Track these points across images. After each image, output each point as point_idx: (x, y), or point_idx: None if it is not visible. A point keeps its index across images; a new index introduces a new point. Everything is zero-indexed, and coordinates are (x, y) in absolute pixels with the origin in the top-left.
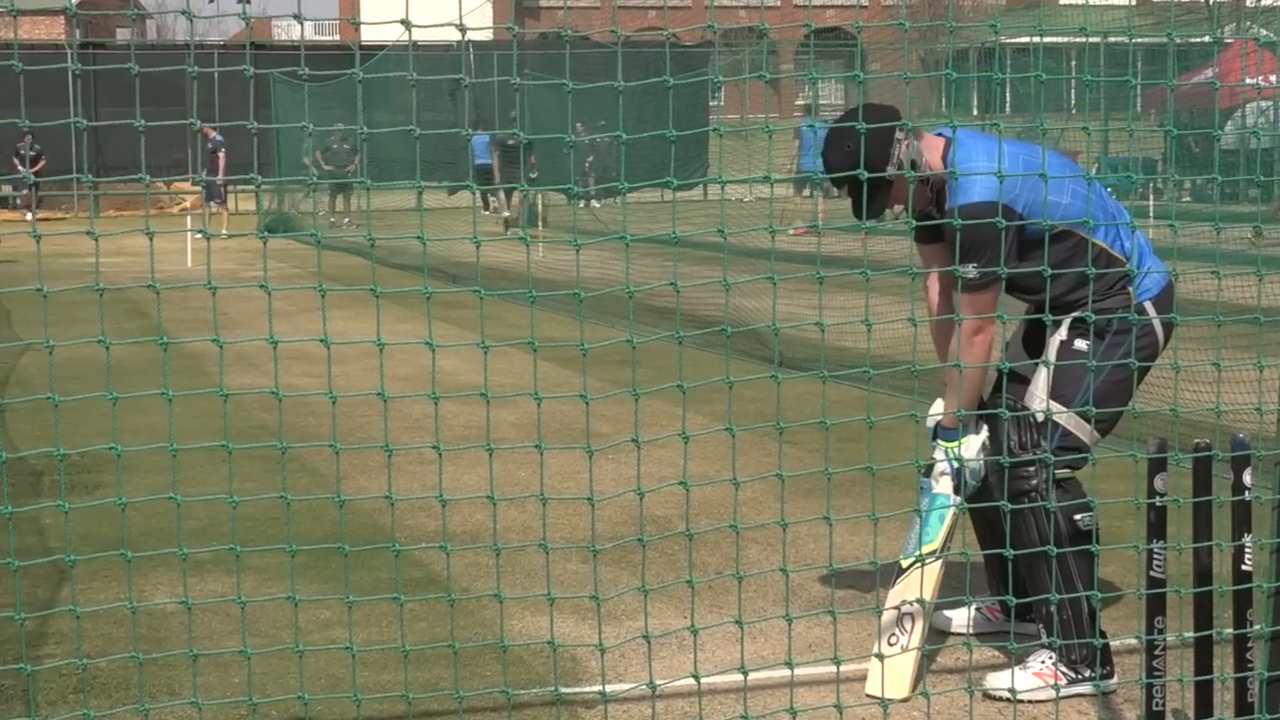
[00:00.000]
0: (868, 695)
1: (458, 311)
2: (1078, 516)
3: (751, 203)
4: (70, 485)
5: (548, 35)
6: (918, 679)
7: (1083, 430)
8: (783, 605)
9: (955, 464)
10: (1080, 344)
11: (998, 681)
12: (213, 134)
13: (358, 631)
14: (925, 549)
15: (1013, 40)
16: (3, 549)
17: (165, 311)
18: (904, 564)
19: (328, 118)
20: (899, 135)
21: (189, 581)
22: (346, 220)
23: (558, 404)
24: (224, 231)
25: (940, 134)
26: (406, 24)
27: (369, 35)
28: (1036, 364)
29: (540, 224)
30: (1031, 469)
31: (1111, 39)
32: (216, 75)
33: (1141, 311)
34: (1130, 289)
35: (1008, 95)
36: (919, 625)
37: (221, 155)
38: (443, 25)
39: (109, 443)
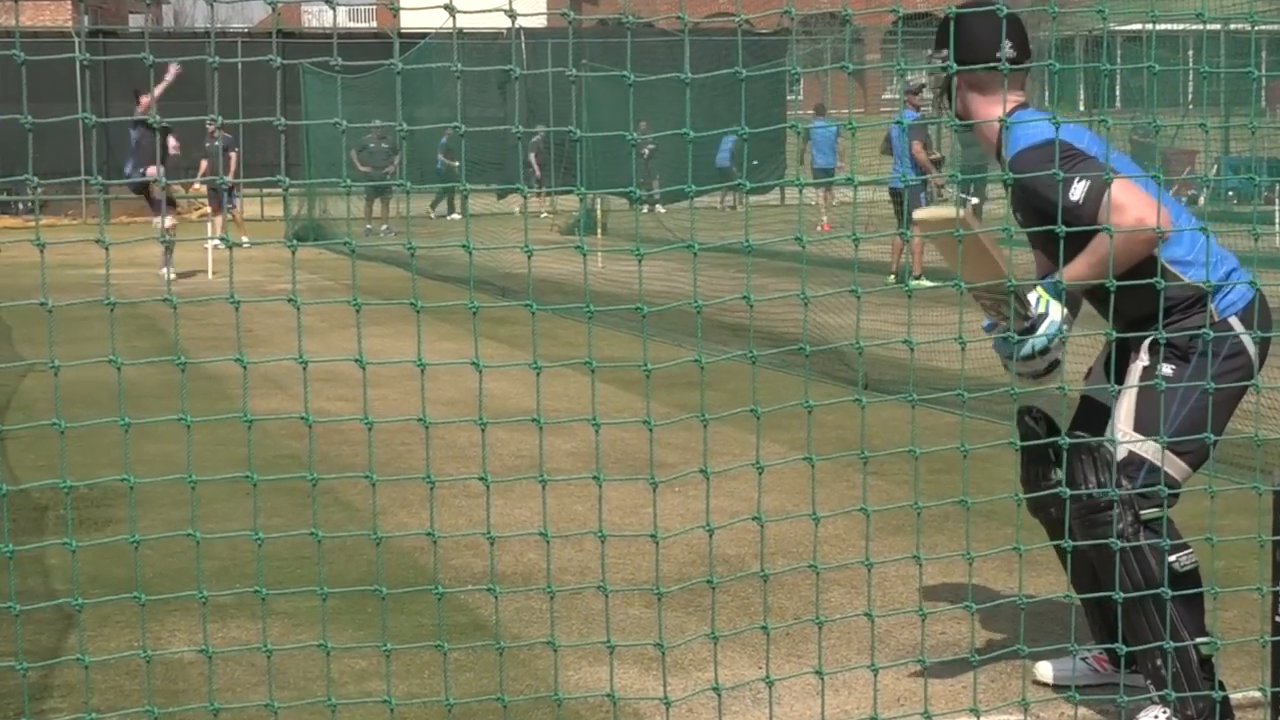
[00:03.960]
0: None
1: (507, 328)
2: (1173, 558)
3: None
4: (78, 521)
5: (607, 22)
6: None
7: (1171, 465)
8: (868, 654)
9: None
10: (1165, 369)
11: None
12: (220, 132)
13: (396, 683)
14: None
15: (1123, 28)
16: (3, 592)
17: (183, 328)
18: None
19: (364, 114)
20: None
21: (209, 628)
22: (385, 227)
23: (618, 431)
24: (242, 238)
25: (1025, 103)
26: (451, 9)
27: (409, 21)
28: (1116, 389)
29: (599, 231)
30: (1113, 511)
31: (1233, 26)
32: (240, 66)
33: (1227, 328)
34: (1211, 305)
35: (1117, 88)
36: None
37: (234, 155)
38: (491, 10)
39: (121, 474)
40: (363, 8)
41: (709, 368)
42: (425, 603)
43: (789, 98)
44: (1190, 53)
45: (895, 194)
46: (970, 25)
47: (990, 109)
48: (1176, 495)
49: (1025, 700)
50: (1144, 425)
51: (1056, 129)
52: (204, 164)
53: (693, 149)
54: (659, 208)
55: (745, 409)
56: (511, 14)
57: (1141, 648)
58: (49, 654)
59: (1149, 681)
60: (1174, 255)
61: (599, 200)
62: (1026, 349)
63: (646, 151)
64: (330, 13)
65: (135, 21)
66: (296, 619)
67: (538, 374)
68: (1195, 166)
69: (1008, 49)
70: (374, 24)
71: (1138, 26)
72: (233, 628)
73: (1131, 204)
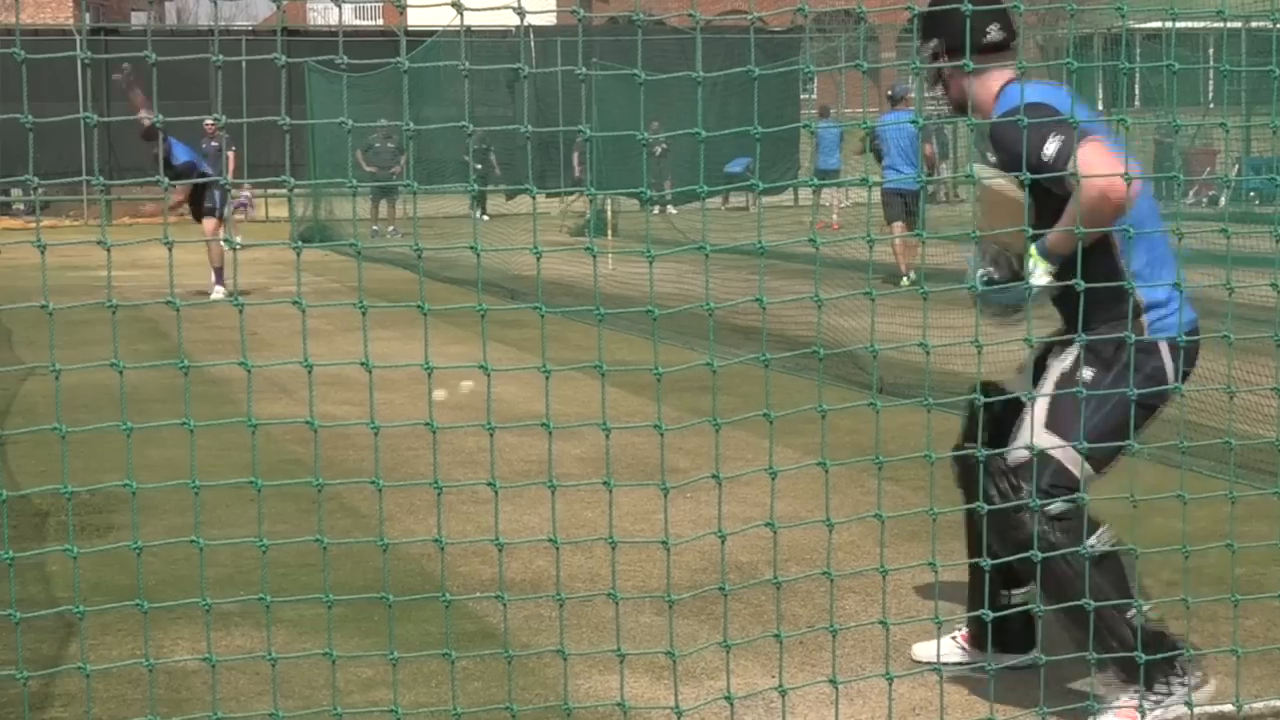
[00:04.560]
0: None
1: (516, 331)
2: (1090, 542)
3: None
4: (79, 527)
5: (618, 19)
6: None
7: (1078, 467)
8: (882, 663)
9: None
10: (1086, 373)
11: None
12: (216, 131)
13: (403, 692)
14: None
15: (1142, 25)
16: (4, 599)
17: (187, 331)
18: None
19: (369, 113)
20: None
21: (213, 636)
22: (391, 229)
23: (629, 435)
24: (236, 239)
25: (1015, 78)
26: (459, 6)
27: (416, 19)
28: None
29: (609, 232)
30: (1023, 515)
31: (1254, 23)
32: (244, 64)
33: (1154, 351)
34: (1143, 319)
35: (1137, 87)
36: None
37: (231, 155)
38: (500, 8)
39: (123, 479)
40: (369, 5)
41: (721, 371)
42: (433, 610)
43: (803, 96)
44: (1211, 51)
45: (895, 194)
46: (954, 15)
47: (985, 89)
48: (1078, 498)
49: (1043, 709)
50: (1059, 427)
51: (1022, 91)
52: (232, 157)
53: (705, 149)
54: (670, 209)
55: (758, 413)
56: (520, 11)
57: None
58: (50, 662)
59: (1120, 674)
60: (1127, 262)
61: (609, 201)
62: (1010, 298)
63: (658, 151)
64: (336, 10)
65: (138, 19)
66: (301, 627)
67: (547, 377)
68: (1216, 167)
69: (995, 32)
70: (380, 21)
71: (1157, 24)
72: (237, 636)
73: (1101, 166)
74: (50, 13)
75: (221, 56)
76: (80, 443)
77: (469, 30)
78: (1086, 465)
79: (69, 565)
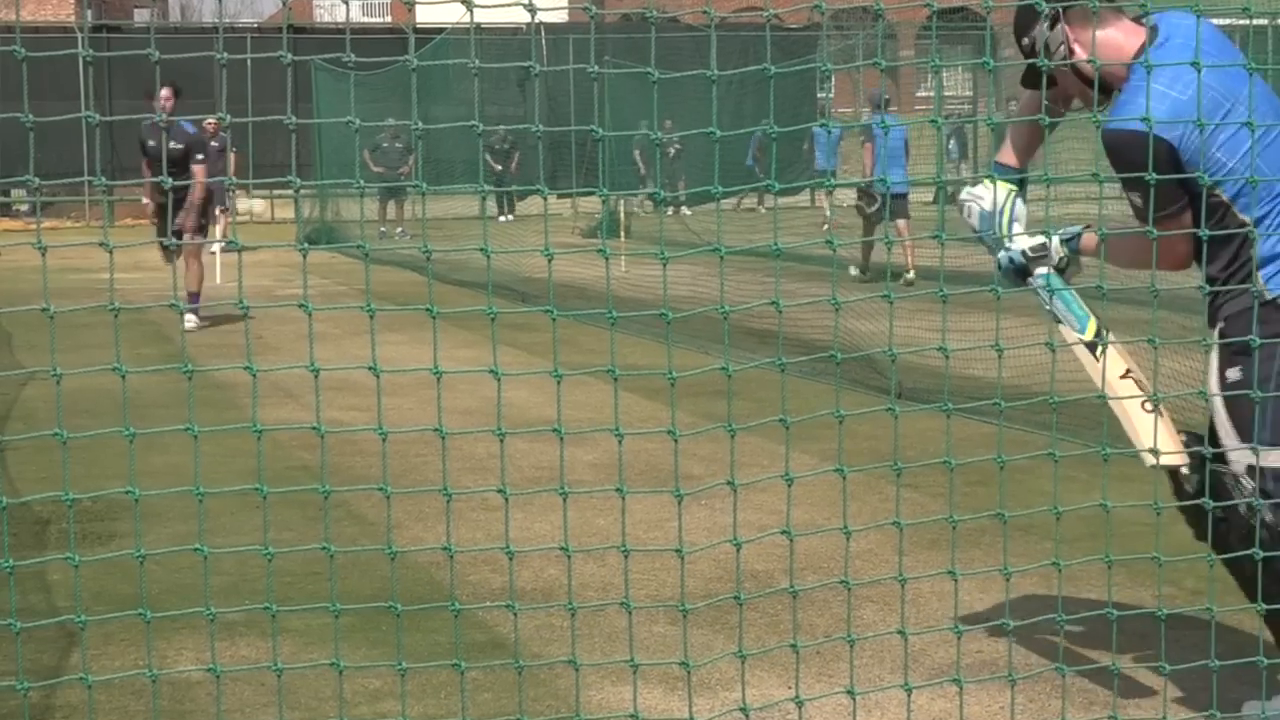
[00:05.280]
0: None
1: (527, 335)
2: None
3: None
4: (81, 535)
5: (631, 16)
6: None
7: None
8: (901, 673)
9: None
10: (1231, 373)
11: None
12: (219, 130)
13: (412, 703)
14: (1089, 334)
15: None
16: (4, 609)
17: (190, 335)
18: (1085, 338)
19: (377, 112)
20: (1047, 11)
21: (218, 646)
22: (400, 230)
23: (642, 441)
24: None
25: (1150, 23)
26: (468, 3)
27: (425, 16)
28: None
29: (622, 234)
30: (1266, 533)
31: None
32: (250, 62)
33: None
34: (1261, 279)
35: None
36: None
37: (233, 155)
38: (510, 4)
39: (125, 486)
40: (377, 2)
41: (736, 376)
42: (442, 620)
43: (819, 95)
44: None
45: (876, 197)
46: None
47: (1119, 44)
48: None
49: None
50: (1247, 433)
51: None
52: (234, 157)
53: (720, 149)
54: (684, 209)
55: (774, 418)
56: (531, 9)
57: None
58: (51, 673)
59: None
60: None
61: (622, 202)
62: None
63: (672, 151)
64: (343, 7)
65: (140, 16)
66: (308, 637)
67: (558, 382)
68: None
69: None
70: (388, 19)
71: None
72: (242, 646)
73: (1173, 250)
74: (51, 9)
75: (226, 54)
76: (82, 449)
77: (479, 28)
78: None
79: (70, 574)
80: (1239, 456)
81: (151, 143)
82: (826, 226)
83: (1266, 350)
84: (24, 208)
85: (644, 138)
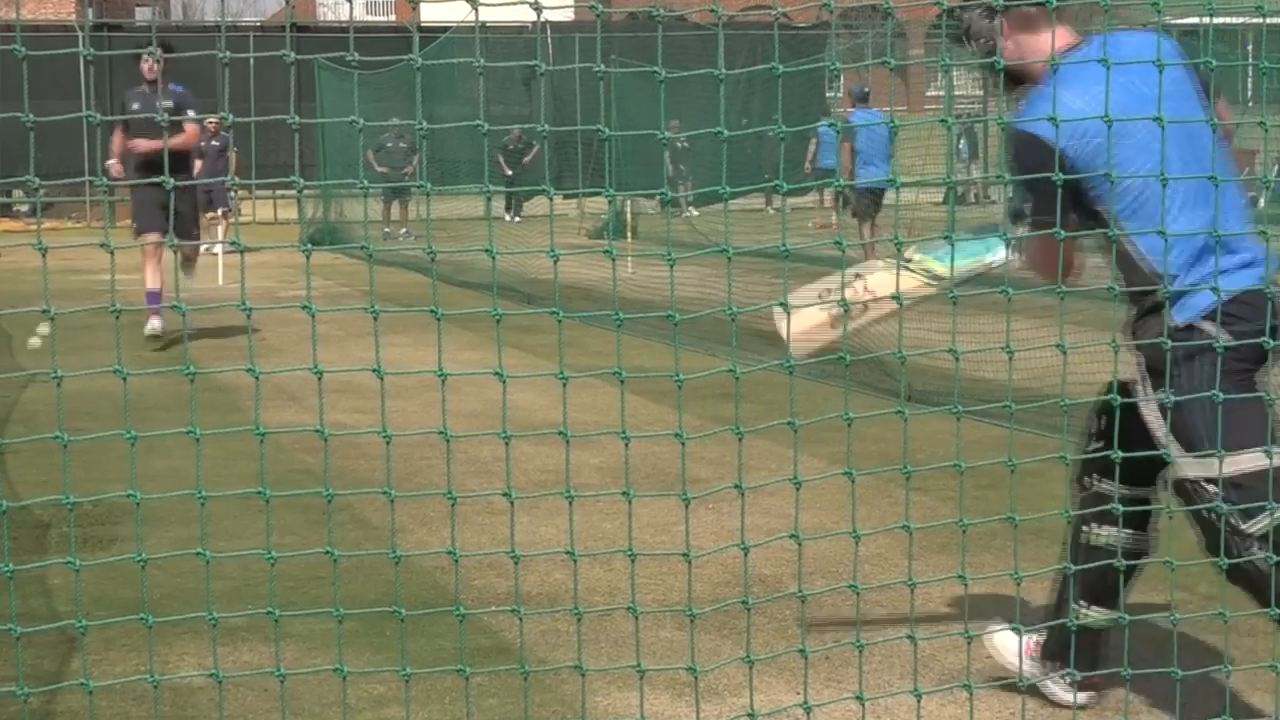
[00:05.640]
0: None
1: (533, 337)
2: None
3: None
4: (82, 539)
5: (637, 15)
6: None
7: (1242, 464)
8: (911, 679)
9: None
10: (1157, 393)
11: None
12: (220, 129)
13: (416, 709)
14: (933, 265)
15: (1178, 21)
16: (4, 614)
17: (193, 337)
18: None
19: (381, 112)
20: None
21: (220, 651)
22: (404, 231)
23: (649, 444)
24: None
25: (1087, 37)
26: (473, 2)
27: (429, 15)
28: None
29: (628, 235)
30: (1237, 539)
31: None
32: (252, 61)
33: (1190, 332)
34: (1164, 313)
35: None
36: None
37: (233, 155)
38: (515, 3)
39: (126, 490)
40: (381, 0)
41: (744, 378)
42: (446, 625)
43: (828, 95)
44: (1249, 47)
45: (867, 192)
46: None
47: (1043, 49)
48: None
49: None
50: (1187, 442)
51: (1055, 126)
52: (199, 164)
53: (727, 148)
54: (691, 210)
55: (782, 421)
56: (537, 7)
57: None
58: (51, 679)
59: None
60: (1149, 246)
61: (628, 202)
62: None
63: (679, 146)
64: (347, 5)
65: (142, 15)
66: (311, 642)
67: (564, 385)
68: (1255, 167)
69: None
70: (393, 17)
71: (1194, 20)
72: (244, 651)
73: (1037, 263)
74: (52, 8)
75: (228, 53)
76: (82, 452)
77: (484, 26)
78: (1249, 456)
79: (71, 578)
80: (1186, 465)
81: (136, 105)
82: (825, 226)
83: (1185, 370)
84: (24, 208)
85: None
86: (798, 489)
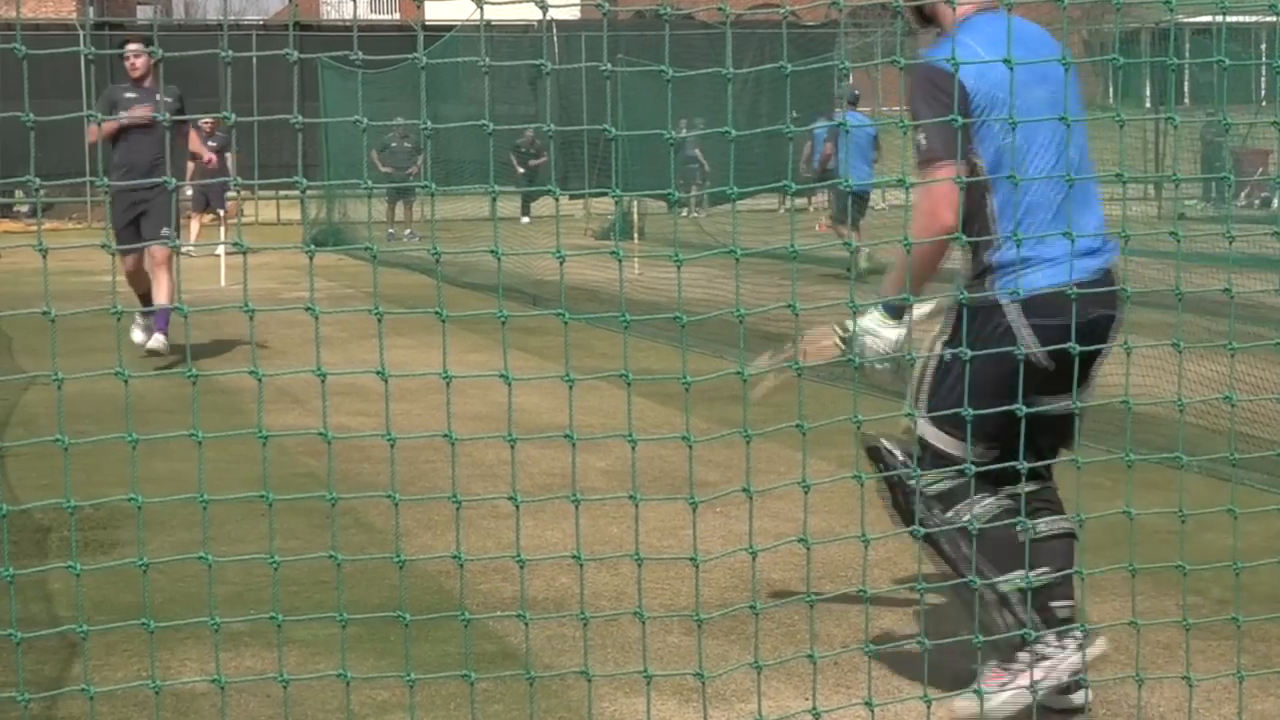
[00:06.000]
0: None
1: (539, 339)
2: (966, 519)
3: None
4: (82, 543)
5: (644, 14)
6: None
7: (942, 441)
8: (921, 684)
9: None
10: (940, 348)
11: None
12: (216, 130)
13: (421, 716)
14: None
15: (1192, 20)
16: (4, 618)
17: (195, 338)
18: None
19: (385, 111)
20: None
21: (222, 657)
22: (408, 232)
23: (656, 448)
24: (190, 244)
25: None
26: (478, 0)
27: (434, 13)
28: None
29: (635, 236)
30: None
31: None
32: (255, 61)
33: (998, 309)
34: (989, 280)
35: (1186, 83)
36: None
37: (230, 155)
38: (521, 1)
39: (128, 493)
40: None
41: (751, 380)
42: (451, 630)
43: (837, 94)
44: (1263, 46)
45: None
46: None
47: (946, 13)
48: (958, 473)
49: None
50: (920, 396)
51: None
52: (192, 166)
53: (734, 148)
54: (698, 211)
55: (790, 424)
56: (543, 5)
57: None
58: (52, 684)
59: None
60: (1004, 204)
61: (635, 203)
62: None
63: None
64: (350, 4)
65: (144, 13)
66: (314, 647)
67: (570, 387)
68: (1268, 167)
69: None
70: (397, 16)
71: (1207, 19)
72: (247, 657)
73: (933, 205)
74: (53, 6)
75: (231, 52)
76: (83, 455)
77: (489, 25)
78: (949, 438)
79: (72, 583)
80: (922, 425)
81: (130, 95)
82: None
83: (976, 342)
84: (24, 209)
85: (698, 137)
86: (806, 492)
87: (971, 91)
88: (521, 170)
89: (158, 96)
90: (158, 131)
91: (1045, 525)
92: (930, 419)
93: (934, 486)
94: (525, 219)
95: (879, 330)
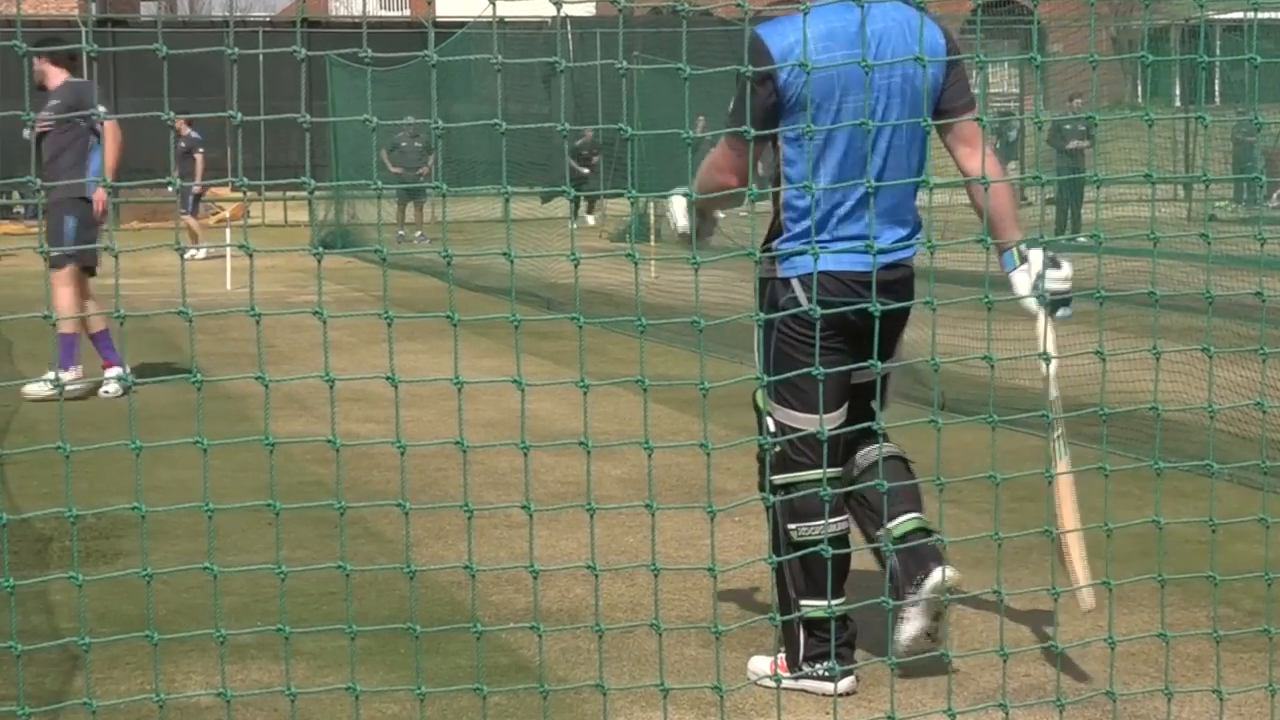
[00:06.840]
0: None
1: (552, 344)
2: (791, 527)
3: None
4: (85, 553)
5: (661, 10)
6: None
7: (779, 413)
8: (944, 698)
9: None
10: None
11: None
12: (187, 130)
13: None
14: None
15: (1222, 17)
16: (4, 630)
17: (200, 344)
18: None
19: (396, 110)
20: None
21: (228, 669)
22: (419, 234)
23: (673, 455)
24: (196, 248)
25: None
26: None
27: (445, 10)
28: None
29: (652, 238)
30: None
31: None
32: (261, 58)
33: (786, 286)
34: (776, 262)
35: (1216, 82)
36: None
37: (199, 157)
38: None
39: (131, 502)
40: None
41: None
42: (463, 642)
43: None
44: None
45: None
46: None
47: None
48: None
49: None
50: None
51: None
52: (199, 158)
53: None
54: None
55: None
56: (557, 1)
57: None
58: (54, 698)
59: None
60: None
61: (652, 204)
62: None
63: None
64: (360, 0)
65: (147, 10)
66: (323, 660)
67: (585, 393)
68: None
69: None
70: (407, 12)
71: (1238, 15)
72: (253, 669)
73: (717, 166)
74: (54, 3)
75: (237, 49)
76: (85, 463)
77: (502, 21)
78: (777, 405)
79: (74, 594)
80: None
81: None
82: None
83: (768, 309)
84: (22, 209)
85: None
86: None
87: (783, 80)
88: (585, 170)
89: (51, 102)
90: (50, 139)
91: (876, 452)
92: (772, 395)
93: (781, 476)
94: (590, 219)
95: (675, 209)
